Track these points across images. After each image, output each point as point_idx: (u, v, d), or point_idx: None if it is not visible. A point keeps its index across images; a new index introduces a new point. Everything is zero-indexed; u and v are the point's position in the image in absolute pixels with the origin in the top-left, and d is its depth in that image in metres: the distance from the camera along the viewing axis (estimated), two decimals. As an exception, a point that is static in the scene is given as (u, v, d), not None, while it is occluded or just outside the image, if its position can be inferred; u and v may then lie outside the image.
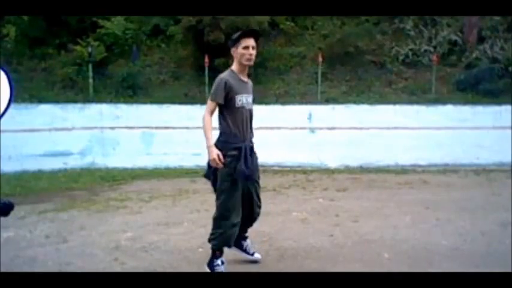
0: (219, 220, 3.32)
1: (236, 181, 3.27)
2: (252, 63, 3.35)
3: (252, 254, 3.66)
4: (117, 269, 3.56)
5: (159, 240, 4.22)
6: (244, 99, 3.33)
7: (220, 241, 3.35)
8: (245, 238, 3.65)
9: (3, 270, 3.30)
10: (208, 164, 3.32)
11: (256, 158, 3.46)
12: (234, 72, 3.36)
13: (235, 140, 3.28)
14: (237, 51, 3.31)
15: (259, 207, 3.56)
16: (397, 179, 7.48)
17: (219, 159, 3.17)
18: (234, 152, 3.25)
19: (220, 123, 3.37)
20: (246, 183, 3.35)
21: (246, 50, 3.29)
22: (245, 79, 3.41)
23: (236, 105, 3.29)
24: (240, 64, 3.35)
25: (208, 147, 3.19)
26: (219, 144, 3.27)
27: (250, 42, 3.29)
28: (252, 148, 3.40)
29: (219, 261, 3.36)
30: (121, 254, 3.88)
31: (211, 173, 3.35)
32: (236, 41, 3.31)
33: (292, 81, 11.15)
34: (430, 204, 5.55)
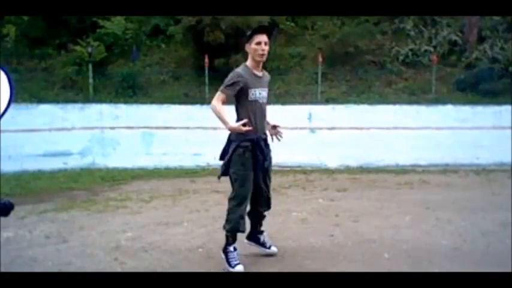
0: (233, 206, 3.43)
1: (248, 171, 3.38)
2: (264, 58, 3.44)
3: (269, 247, 3.75)
4: (117, 269, 3.56)
5: (159, 240, 4.22)
6: (257, 92, 3.46)
7: (233, 225, 3.43)
8: (261, 232, 3.76)
9: (3, 270, 3.30)
10: (224, 151, 3.46)
11: (270, 151, 3.57)
12: (247, 67, 3.47)
13: (248, 131, 3.37)
14: (251, 47, 3.42)
15: (268, 205, 3.66)
16: (397, 179, 7.46)
17: (243, 125, 3.25)
18: (247, 143, 3.37)
19: (236, 116, 3.49)
20: (259, 176, 3.46)
21: (258, 45, 3.39)
22: (259, 73, 3.51)
23: (249, 98, 3.42)
24: (254, 60, 3.46)
25: (229, 128, 3.29)
26: (232, 135, 3.41)
27: (263, 38, 3.40)
28: (265, 140, 3.52)
29: (231, 248, 3.46)
30: (121, 254, 3.87)
31: (225, 162, 3.45)
32: (249, 37, 3.42)
33: (292, 81, 11.15)
34: (430, 204, 5.54)
